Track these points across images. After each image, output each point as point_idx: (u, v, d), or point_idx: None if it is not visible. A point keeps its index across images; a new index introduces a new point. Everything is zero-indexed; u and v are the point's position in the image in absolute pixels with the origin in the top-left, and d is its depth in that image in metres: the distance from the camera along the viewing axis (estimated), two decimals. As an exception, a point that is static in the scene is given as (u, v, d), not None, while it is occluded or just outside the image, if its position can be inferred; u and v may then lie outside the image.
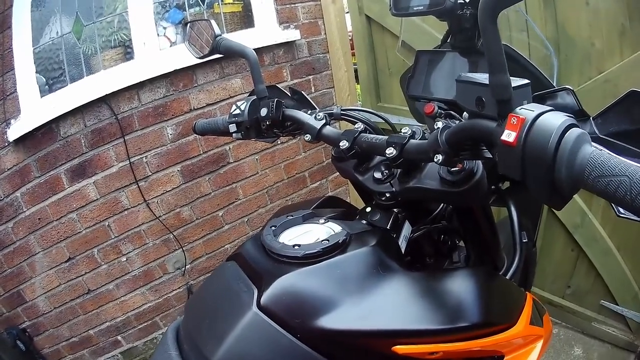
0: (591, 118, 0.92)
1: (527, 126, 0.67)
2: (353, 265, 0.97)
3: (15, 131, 2.51)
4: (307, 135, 1.27)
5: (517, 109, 0.70)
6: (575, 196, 2.45)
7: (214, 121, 1.53)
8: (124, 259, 3.01)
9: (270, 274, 0.95)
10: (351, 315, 0.90)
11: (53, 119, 2.60)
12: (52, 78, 2.84)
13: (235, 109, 1.41)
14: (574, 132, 0.64)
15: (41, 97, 2.70)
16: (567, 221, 2.60)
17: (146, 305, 3.19)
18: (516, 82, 0.73)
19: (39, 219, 2.73)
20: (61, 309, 2.94)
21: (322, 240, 1.00)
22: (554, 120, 0.65)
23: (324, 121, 1.27)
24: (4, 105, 2.51)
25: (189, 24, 1.52)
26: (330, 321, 0.89)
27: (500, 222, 1.31)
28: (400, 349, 0.91)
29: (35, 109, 2.62)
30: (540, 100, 1.01)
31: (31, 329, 2.90)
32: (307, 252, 0.97)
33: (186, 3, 3.12)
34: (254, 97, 1.40)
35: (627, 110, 0.84)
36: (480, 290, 1.00)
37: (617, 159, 0.59)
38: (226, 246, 3.39)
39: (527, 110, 0.68)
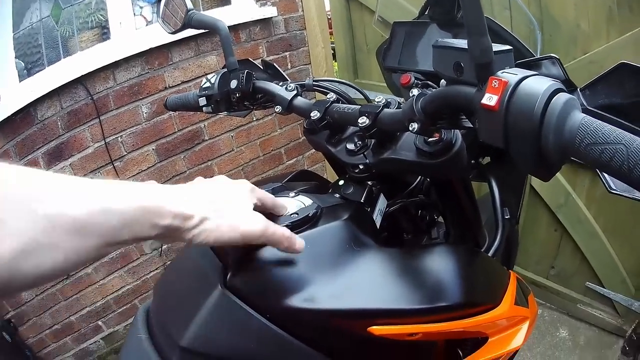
0: (578, 89, 0.86)
1: (510, 89, 0.63)
2: (324, 241, 0.94)
3: None
4: (278, 106, 1.26)
5: (499, 72, 0.66)
6: (559, 174, 2.50)
7: (184, 96, 1.52)
8: (100, 241, 3.04)
9: (238, 250, 0.92)
10: (323, 293, 0.87)
11: (31, 103, 2.62)
12: (30, 62, 2.87)
13: (206, 82, 1.42)
14: (562, 96, 0.61)
15: (20, 81, 2.74)
16: (550, 200, 2.63)
17: (125, 288, 3.24)
18: (498, 47, 0.69)
19: None
20: (42, 296, 2.96)
21: (292, 214, 0.96)
22: (540, 83, 0.62)
23: (295, 92, 1.26)
24: None
25: (163, 0, 1.50)
26: (300, 300, 0.85)
27: (481, 198, 1.30)
28: (376, 329, 0.87)
29: (13, 94, 2.65)
30: (525, 67, 0.82)
31: (15, 319, 2.92)
32: None
33: (163, -19, 3.13)
34: (225, 70, 1.41)
35: (618, 83, 0.81)
36: (462, 268, 0.97)
37: (610, 126, 0.57)
38: None
39: (510, 74, 0.65)
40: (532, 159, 0.63)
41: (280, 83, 1.33)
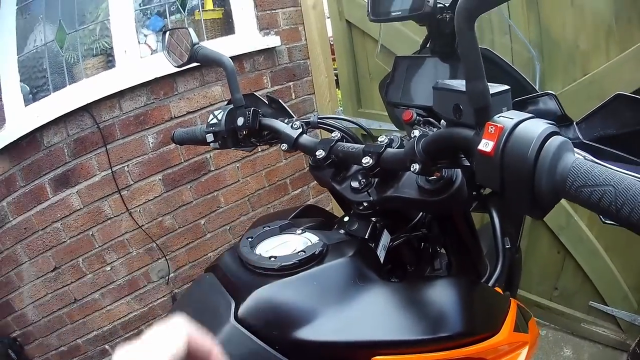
0: (574, 123, 0.90)
1: (505, 135, 0.65)
2: (330, 277, 0.98)
3: (0, 140, 2.53)
4: (284, 144, 1.28)
5: (496, 117, 0.68)
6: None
7: (192, 130, 1.54)
8: (108, 268, 3.04)
9: (247, 286, 0.95)
10: (329, 326, 0.90)
11: (37, 128, 2.61)
12: (35, 87, 2.87)
13: (213, 119, 1.43)
14: (556, 140, 0.62)
15: (25, 106, 2.73)
16: (552, 223, 2.61)
17: (132, 314, 3.21)
18: (495, 88, 0.72)
19: (24, 228, 2.75)
20: (49, 318, 2.95)
21: (299, 252, 1.00)
22: (534, 128, 0.64)
23: (300, 130, 1.28)
24: None
25: (168, 32, 1.53)
26: (307, 333, 0.89)
27: (482, 228, 1.33)
28: (379, 359, 0.90)
29: (19, 118, 2.65)
30: (521, 105, 1.01)
31: (21, 338, 2.91)
32: (283, 264, 0.97)
33: (167, 10, 3.16)
34: (231, 106, 1.42)
35: (613, 114, 0.83)
36: (461, 299, 0.98)
37: (600, 167, 0.58)
38: (209, 254, 3.42)
39: (506, 118, 0.67)
40: (526, 201, 0.64)
41: (286, 120, 1.37)
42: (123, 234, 3.04)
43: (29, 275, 2.83)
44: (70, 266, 2.93)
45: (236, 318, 0.90)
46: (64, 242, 2.87)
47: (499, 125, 0.66)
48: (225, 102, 1.54)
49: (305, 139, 1.26)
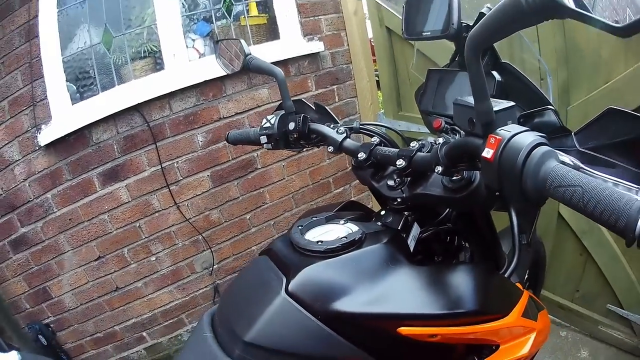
0: (572, 133, 1.01)
1: (502, 145, 0.78)
2: (366, 259, 1.10)
3: (46, 136, 2.57)
4: (330, 147, 1.40)
5: (497, 130, 0.81)
6: None
7: (245, 132, 1.64)
8: (153, 258, 3.05)
9: (297, 265, 1.08)
10: (363, 300, 1.03)
11: (85, 126, 2.64)
12: (82, 86, 2.89)
13: (266, 123, 1.53)
14: (540, 150, 0.74)
15: (72, 104, 2.74)
16: (576, 226, 2.61)
17: (173, 303, 3.21)
18: (501, 105, 0.85)
19: (69, 219, 2.77)
20: (88, 305, 2.97)
21: (341, 238, 1.14)
22: (524, 140, 0.76)
23: (344, 135, 1.39)
24: (34, 111, 2.56)
25: (220, 42, 1.66)
26: (345, 305, 1.01)
27: (502, 231, 1.41)
28: (404, 330, 1.02)
29: (66, 115, 2.67)
30: (528, 117, 1.14)
31: (55, 324, 2.94)
32: (328, 247, 1.10)
33: (213, 16, 3.14)
34: (283, 111, 1.52)
35: (605, 126, 0.92)
36: (476, 283, 1.10)
37: (575, 172, 0.69)
38: (253, 248, 3.41)
39: (504, 131, 0.79)
40: (518, 198, 0.77)
41: (332, 125, 1.46)
42: (170, 226, 3.04)
43: (70, 263, 2.85)
44: (115, 256, 2.95)
45: (287, 292, 1.04)
46: (109, 232, 2.89)
47: (498, 137, 0.79)
48: (275, 105, 1.70)
49: (349, 142, 1.37)
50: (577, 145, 0.99)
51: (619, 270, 2.49)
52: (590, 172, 0.72)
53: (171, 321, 3.26)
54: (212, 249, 3.23)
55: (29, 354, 1.09)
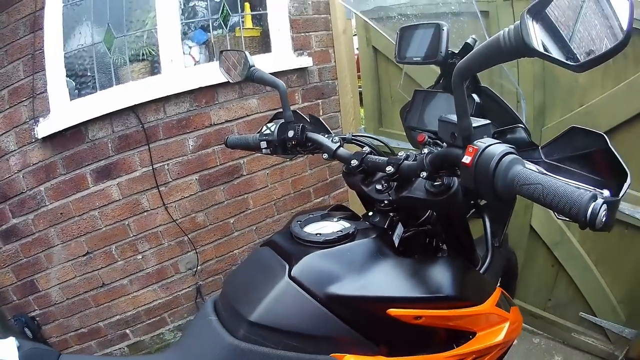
0: (539, 147, 1.16)
1: (479, 154, 0.93)
2: (359, 250, 1.24)
3: (44, 129, 2.59)
4: (325, 154, 1.52)
5: (475, 142, 0.96)
6: (555, 216, 2.59)
7: (244, 138, 1.74)
8: (139, 256, 3.10)
9: (299, 253, 1.21)
10: (357, 285, 1.16)
11: (82, 122, 2.68)
12: (81, 83, 2.93)
13: (266, 130, 1.65)
14: (509, 157, 0.90)
15: (70, 100, 2.77)
16: (547, 239, 2.73)
17: (156, 302, 3.25)
18: (478, 122, 1.02)
19: (60, 213, 2.79)
20: (74, 300, 2.98)
21: (337, 231, 1.28)
22: (496, 149, 0.92)
23: (339, 144, 1.52)
24: (33, 103, 2.58)
25: (224, 52, 1.77)
26: (342, 289, 1.14)
27: (477, 239, 1.53)
28: (393, 311, 1.15)
29: (64, 110, 2.70)
30: (502, 133, 1.35)
31: (41, 318, 2.93)
32: (326, 239, 1.25)
33: (210, 25, 3.24)
34: (282, 120, 1.64)
35: (569, 141, 1.08)
36: (455, 273, 1.26)
37: (536, 174, 0.84)
38: (235, 251, 3.47)
39: (481, 143, 0.95)
40: (491, 195, 0.92)
41: (327, 135, 1.60)
42: (157, 226, 3.10)
43: (59, 257, 2.87)
44: (103, 252, 2.98)
45: (290, 276, 1.16)
46: (99, 229, 2.92)
47: (475, 147, 0.95)
48: (263, 115, 1.80)
49: (342, 151, 1.50)
50: (543, 157, 1.14)
51: (591, 280, 2.61)
52: (549, 174, 0.86)
53: (154, 319, 3.29)
54: (197, 250, 3.28)
55: (25, 341, 1.14)
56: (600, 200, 0.75)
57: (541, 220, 2.73)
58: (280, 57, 3.34)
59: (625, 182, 0.92)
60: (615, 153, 0.98)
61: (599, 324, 2.66)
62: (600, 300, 2.63)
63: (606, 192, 0.82)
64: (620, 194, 0.88)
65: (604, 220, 0.75)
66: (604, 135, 1.01)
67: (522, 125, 1.35)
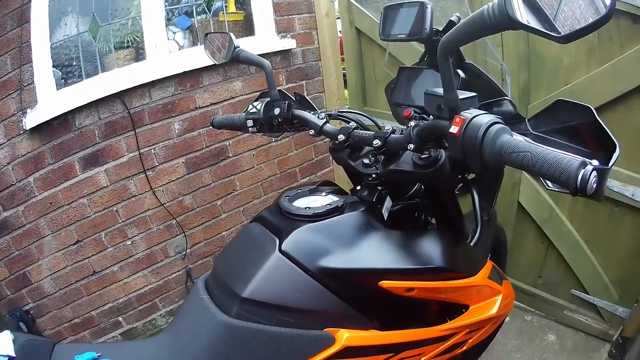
0: (526, 120, 1.19)
1: (466, 123, 0.94)
2: (349, 223, 1.25)
3: (31, 120, 2.58)
4: (312, 130, 1.54)
5: (462, 112, 0.97)
6: (543, 192, 2.63)
7: (230, 117, 1.76)
8: (129, 242, 3.10)
9: (289, 228, 1.22)
10: (347, 257, 1.18)
11: (69, 111, 2.68)
12: (67, 73, 2.92)
13: (252, 108, 1.66)
14: (496, 127, 0.91)
15: (57, 89, 2.77)
16: (537, 216, 2.73)
17: (147, 287, 3.26)
18: (465, 94, 1.03)
19: (50, 203, 2.79)
20: (66, 290, 2.98)
21: (326, 205, 1.29)
22: (483, 119, 0.92)
23: (325, 120, 1.53)
24: (20, 95, 2.58)
25: (209, 34, 1.77)
26: (333, 262, 1.15)
27: (466, 214, 1.53)
28: (384, 283, 1.18)
29: (51, 100, 2.69)
30: (488, 106, 1.36)
31: (34, 311, 2.93)
32: (315, 212, 1.26)
33: (194, 10, 3.24)
34: (268, 99, 1.65)
35: (555, 114, 1.11)
36: (445, 244, 1.29)
37: (524, 142, 0.86)
38: (223, 233, 3.49)
39: (467, 113, 0.96)
40: (479, 164, 0.93)
41: (312, 112, 1.61)
42: (145, 211, 3.11)
43: (49, 248, 2.87)
44: (93, 240, 2.98)
45: (280, 251, 1.16)
46: (88, 216, 2.92)
47: (462, 117, 0.95)
48: (247, 97, 1.80)
49: (329, 127, 1.51)
50: (530, 129, 1.16)
51: (582, 258, 2.62)
52: (537, 144, 0.86)
53: (145, 305, 3.31)
54: (185, 234, 3.30)
55: (20, 334, 1.15)
56: (589, 167, 0.76)
57: (529, 197, 2.75)
58: (263, 40, 3.36)
59: (615, 152, 0.94)
60: (603, 125, 1.00)
61: (591, 302, 2.69)
62: (591, 278, 2.65)
63: (595, 162, 0.81)
64: (610, 163, 0.90)
65: (594, 187, 0.75)
66: (590, 108, 1.03)
67: (507, 98, 1.36)
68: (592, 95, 2.19)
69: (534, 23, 0.80)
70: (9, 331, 1.10)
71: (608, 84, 2.17)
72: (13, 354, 1.06)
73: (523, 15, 0.78)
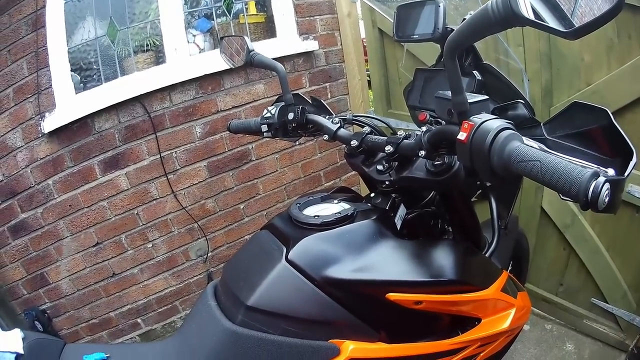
0: (541, 124, 1.11)
1: (474, 130, 0.89)
2: (358, 232, 1.21)
3: (50, 124, 2.60)
4: (325, 135, 1.51)
5: (471, 117, 0.92)
6: (560, 196, 2.56)
7: (246, 122, 1.75)
8: (149, 245, 3.10)
9: (296, 236, 1.19)
10: (355, 268, 1.14)
11: (88, 115, 2.68)
12: (86, 77, 2.92)
13: (267, 113, 1.64)
14: (505, 132, 0.86)
15: (76, 93, 2.78)
16: (559, 221, 2.67)
17: (167, 290, 3.26)
18: (475, 97, 1.01)
19: (69, 205, 2.80)
20: (84, 291, 3.00)
21: (336, 213, 1.26)
22: (492, 124, 0.88)
23: (339, 125, 1.51)
24: (38, 99, 2.60)
25: (224, 38, 1.77)
26: (339, 272, 1.12)
27: (484, 222, 1.50)
28: (392, 296, 1.14)
29: (70, 104, 2.71)
30: (502, 109, 1.25)
31: (51, 310, 2.95)
32: (324, 221, 1.23)
33: (214, 13, 3.22)
34: (282, 103, 1.62)
35: (570, 117, 1.03)
36: (458, 256, 1.25)
37: (534, 150, 0.80)
38: (245, 237, 3.46)
39: (477, 118, 0.91)
40: (487, 172, 0.88)
41: (327, 117, 1.58)
42: (167, 214, 3.10)
43: (68, 249, 2.88)
44: (113, 242, 2.99)
45: (287, 260, 1.14)
46: (108, 219, 2.93)
47: (471, 122, 0.91)
48: (270, 100, 1.75)
49: (343, 132, 1.48)
50: (545, 134, 1.09)
51: (602, 265, 2.55)
52: (549, 151, 0.81)
53: (165, 308, 3.30)
54: (207, 237, 3.29)
55: (30, 332, 1.15)
56: (602, 179, 0.70)
57: (552, 202, 2.68)
58: (285, 42, 3.33)
59: (631, 160, 0.86)
60: (619, 129, 0.92)
61: (610, 310, 2.62)
62: (611, 286, 2.59)
63: (611, 171, 0.79)
64: (626, 173, 0.83)
65: (606, 200, 0.70)
66: (606, 111, 0.96)
67: (522, 101, 1.27)
68: (615, 95, 2.15)
69: (540, 18, 0.76)
70: (19, 329, 1.11)
71: (629, 83, 2.11)
72: (21, 351, 1.07)
73: (529, 9, 0.74)
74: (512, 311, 1.41)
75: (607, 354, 2.69)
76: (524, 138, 0.87)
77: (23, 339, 1.08)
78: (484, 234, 1.52)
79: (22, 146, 2.65)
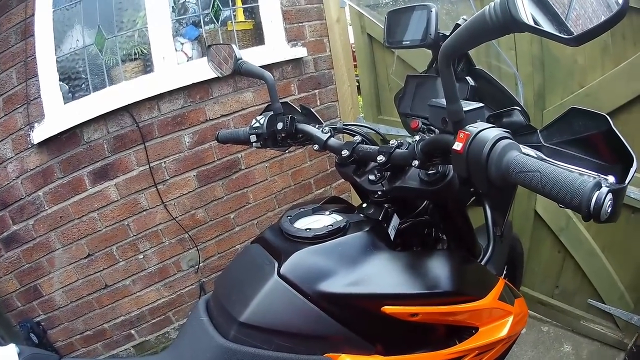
0: (538, 131, 1.09)
1: (470, 139, 0.87)
2: (351, 245, 1.19)
3: (39, 134, 2.58)
4: (315, 145, 1.49)
5: (466, 127, 0.90)
6: (558, 205, 2.54)
7: (235, 132, 1.71)
8: (141, 256, 3.08)
9: (288, 250, 1.16)
10: (348, 281, 1.11)
11: (77, 125, 2.67)
12: (74, 86, 2.91)
13: (255, 123, 1.61)
14: (503, 142, 0.84)
15: (64, 103, 2.77)
16: (553, 224, 2.67)
17: (160, 301, 3.24)
18: (471, 106, 0.97)
19: (60, 217, 2.78)
20: (77, 303, 2.98)
21: (328, 226, 1.22)
22: (489, 134, 0.86)
23: (329, 134, 1.49)
24: (27, 109, 2.58)
25: (211, 46, 1.75)
26: (332, 286, 1.10)
27: (478, 227, 1.49)
28: (387, 309, 1.11)
29: (59, 114, 2.69)
30: (498, 116, 1.23)
31: (46, 322, 2.94)
32: (316, 234, 1.20)
33: (202, 21, 3.20)
34: (271, 112, 1.60)
35: (568, 124, 1.00)
36: (453, 266, 1.21)
37: (533, 160, 0.78)
38: (237, 246, 3.45)
39: (473, 127, 0.89)
40: (484, 183, 0.86)
41: (317, 126, 1.56)
42: (157, 225, 3.08)
43: (60, 261, 2.86)
44: (104, 253, 2.97)
45: (279, 275, 1.12)
46: (99, 230, 2.91)
47: (467, 132, 0.89)
48: (259, 108, 1.73)
49: (333, 141, 1.46)
50: (542, 141, 1.06)
51: (598, 266, 2.55)
52: (548, 160, 0.79)
53: (158, 319, 3.28)
54: (198, 247, 3.27)
55: (26, 347, 1.13)
56: (604, 189, 0.68)
57: (546, 205, 2.68)
58: (274, 49, 3.32)
59: (631, 166, 0.84)
60: (619, 135, 0.90)
61: (607, 311, 2.62)
62: (607, 287, 2.59)
63: (611, 178, 0.76)
64: (627, 181, 0.81)
65: (609, 210, 0.68)
66: (605, 116, 0.93)
67: (518, 108, 1.24)
68: (609, 97, 2.14)
69: (540, 24, 0.74)
70: (14, 344, 1.08)
71: (624, 84, 2.10)
72: None
73: (528, 15, 0.72)
74: (510, 319, 1.39)
75: (605, 353, 2.69)
76: (521, 147, 0.86)
77: (19, 354, 1.07)
78: (478, 240, 1.49)
79: (12, 157, 2.64)
